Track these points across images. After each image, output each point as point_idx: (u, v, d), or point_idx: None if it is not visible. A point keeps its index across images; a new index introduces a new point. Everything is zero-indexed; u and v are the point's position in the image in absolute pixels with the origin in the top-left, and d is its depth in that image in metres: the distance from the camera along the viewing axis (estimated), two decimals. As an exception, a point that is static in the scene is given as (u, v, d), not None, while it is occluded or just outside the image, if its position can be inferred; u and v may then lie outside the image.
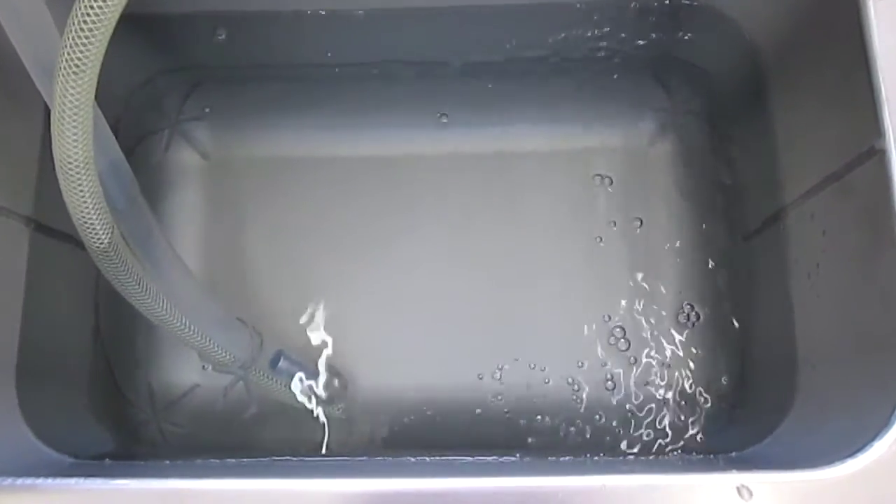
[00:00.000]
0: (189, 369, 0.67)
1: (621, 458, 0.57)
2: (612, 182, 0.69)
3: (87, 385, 0.63)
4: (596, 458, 0.55)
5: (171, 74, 0.70)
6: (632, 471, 0.41)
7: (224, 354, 0.60)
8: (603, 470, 0.41)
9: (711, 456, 0.52)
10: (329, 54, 0.68)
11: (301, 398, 0.64)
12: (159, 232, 0.57)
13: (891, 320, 0.42)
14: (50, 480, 0.41)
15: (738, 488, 0.38)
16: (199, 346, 0.59)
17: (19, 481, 0.41)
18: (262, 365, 0.63)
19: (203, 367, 0.67)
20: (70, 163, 0.46)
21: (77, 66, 0.43)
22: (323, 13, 0.60)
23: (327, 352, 0.67)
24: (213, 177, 0.72)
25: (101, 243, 0.51)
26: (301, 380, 0.65)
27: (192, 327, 0.57)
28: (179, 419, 0.67)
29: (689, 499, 0.39)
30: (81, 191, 0.48)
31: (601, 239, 0.69)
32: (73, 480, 0.41)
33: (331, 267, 0.69)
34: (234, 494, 0.41)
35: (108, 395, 0.66)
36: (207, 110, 0.72)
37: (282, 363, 0.63)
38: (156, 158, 0.71)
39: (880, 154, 0.43)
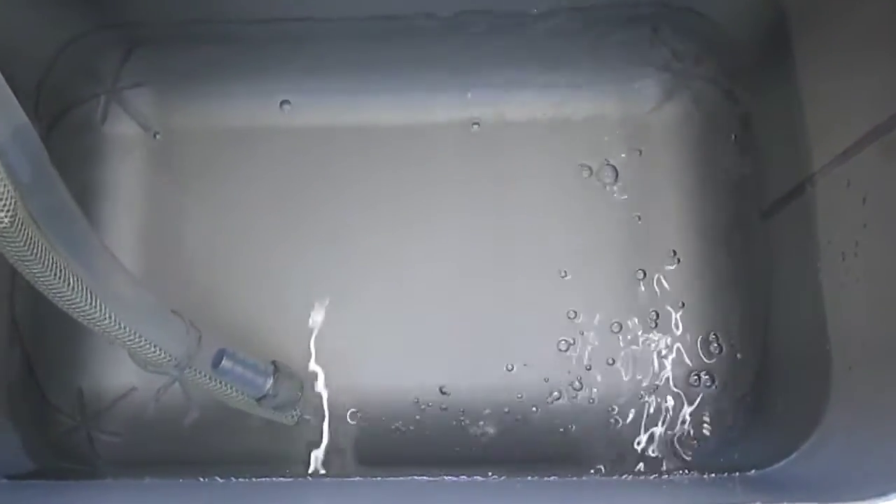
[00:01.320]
0: (125, 369, 0.64)
1: (619, 476, 0.50)
2: (611, 155, 0.66)
3: (2, 388, 0.60)
4: (586, 477, 0.49)
5: (104, 32, 0.65)
6: (641, 500, 0.34)
7: (156, 352, 0.55)
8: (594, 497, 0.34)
9: (726, 475, 0.45)
10: (290, 9, 0.64)
11: (251, 405, 0.59)
12: (77, 210, 0.52)
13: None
14: None
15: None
16: (126, 343, 0.54)
17: None
18: (201, 364, 0.58)
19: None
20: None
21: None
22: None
23: (283, 350, 0.63)
24: (157, 151, 0.68)
25: (0, 222, 0.45)
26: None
27: (117, 320, 0.53)
28: (114, 426, 0.63)
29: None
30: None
31: (600, 219, 0.66)
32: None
33: (289, 253, 0.66)
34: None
35: (28, 400, 0.62)
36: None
37: (225, 362, 0.58)
38: (90, 130, 0.68)
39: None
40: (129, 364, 0.59)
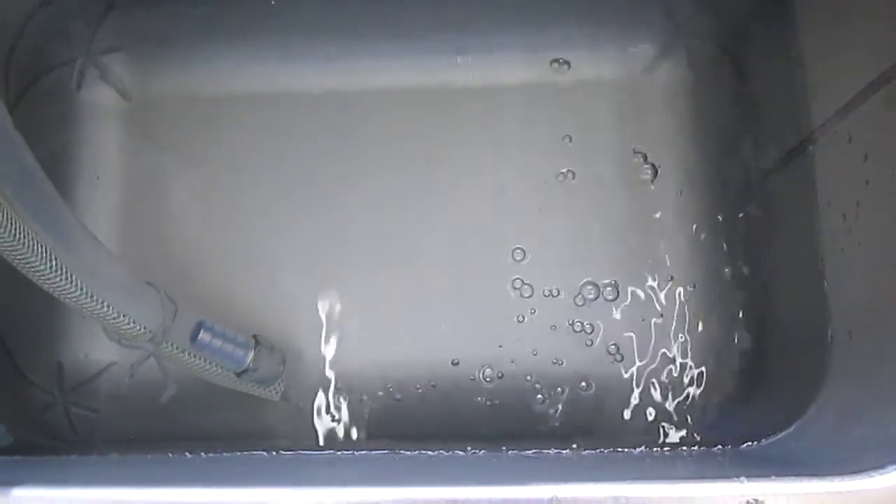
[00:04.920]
0: (106, 344, 0.61)
1: (609, 451, 0.50)
2: (608, 116, 0.66)
3: None
4: (584, 451, 0.51)
5: (78, -4, 0.66)
6: (616, 476, 0.33)
7: (129, 325, 0.54)
8: (584, 474, 0.34)
9: (718, 449, 0.44)
10: None
11: (232, 379, 0.60)
12: (44, 178, 0.52)
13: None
14: None
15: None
16: (98, 315, 0.53)
17: None
18: (177, 338, 0.57)
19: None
20: None
21: None
22: None
23: (261, 322, 0.63)
24: (135, 119, 0.68)
25: None
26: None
27: (88, 291, 0.52)
28: (92, 402, 0.64)
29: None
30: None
31: (596, 182, 0.65)
32: None
33: (268, 223, 0.66)
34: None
35: (3, 375, 0.63)
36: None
37: (203, 335, 0.57)
38: (65, 96, 0.68)
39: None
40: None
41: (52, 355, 0.64)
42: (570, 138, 0.65)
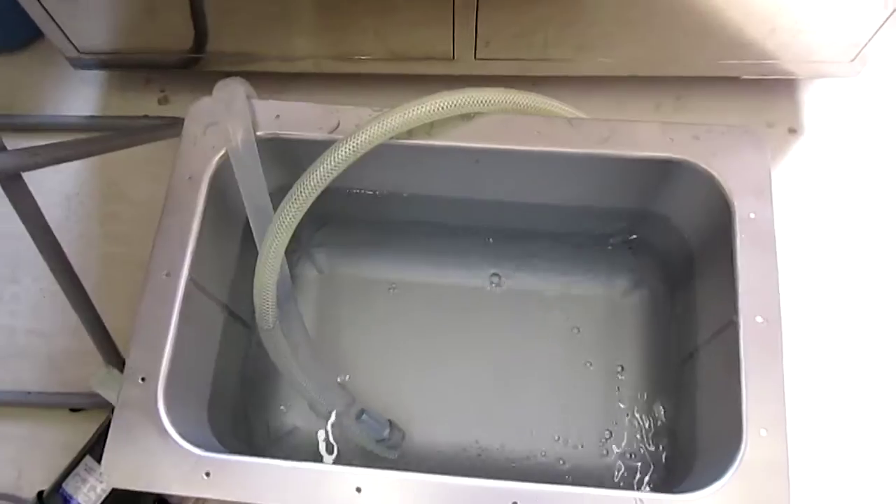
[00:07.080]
0: (293, 415, 0.88)
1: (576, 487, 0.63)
2: (595, 321, 0.89)
3: (233, 416, 0.82)
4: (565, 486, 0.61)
5: (308, 219, 0.89)
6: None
7: (326, 406, 0.83)
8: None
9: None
10: (415, 217, 0.90)
11: (374, 443, 0.86)
12: (300, 320, 0.81)
13: (729, 433, 0.61)
14: (254, 459, 0.64)
15: (635, 500, 0.62)
16: (310, 398, 0.82)
17: (230, 458, 0.64)
18: (350, 416, 0.85)
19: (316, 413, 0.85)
20: (264, 285, 0.73)
21: (284, 229, 0.70)
22: (421, 195, 0.85)
23: (394, 412, 0.85)
24: (326, 287, 0.93)
25: (269, 326, 0.76)
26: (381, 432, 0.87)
27: (310, 386, 0.81)
28: (283, 448, 0.86)
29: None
30: (267, 298, 0.74)
31: (589, 364, 0.87)
32: (265, 460, 0.64)
33: (402, 357, 0.89)
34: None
35: (244, 426, 0.84)
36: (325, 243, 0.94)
37: (364, 417, 0.85)
38: (289, 271, 0.81)
39: (734, 325, 0.62)
40: (295, 412, 0.87)
41: (264, 418, 0.86)
42: (570, 330, 0.87)
